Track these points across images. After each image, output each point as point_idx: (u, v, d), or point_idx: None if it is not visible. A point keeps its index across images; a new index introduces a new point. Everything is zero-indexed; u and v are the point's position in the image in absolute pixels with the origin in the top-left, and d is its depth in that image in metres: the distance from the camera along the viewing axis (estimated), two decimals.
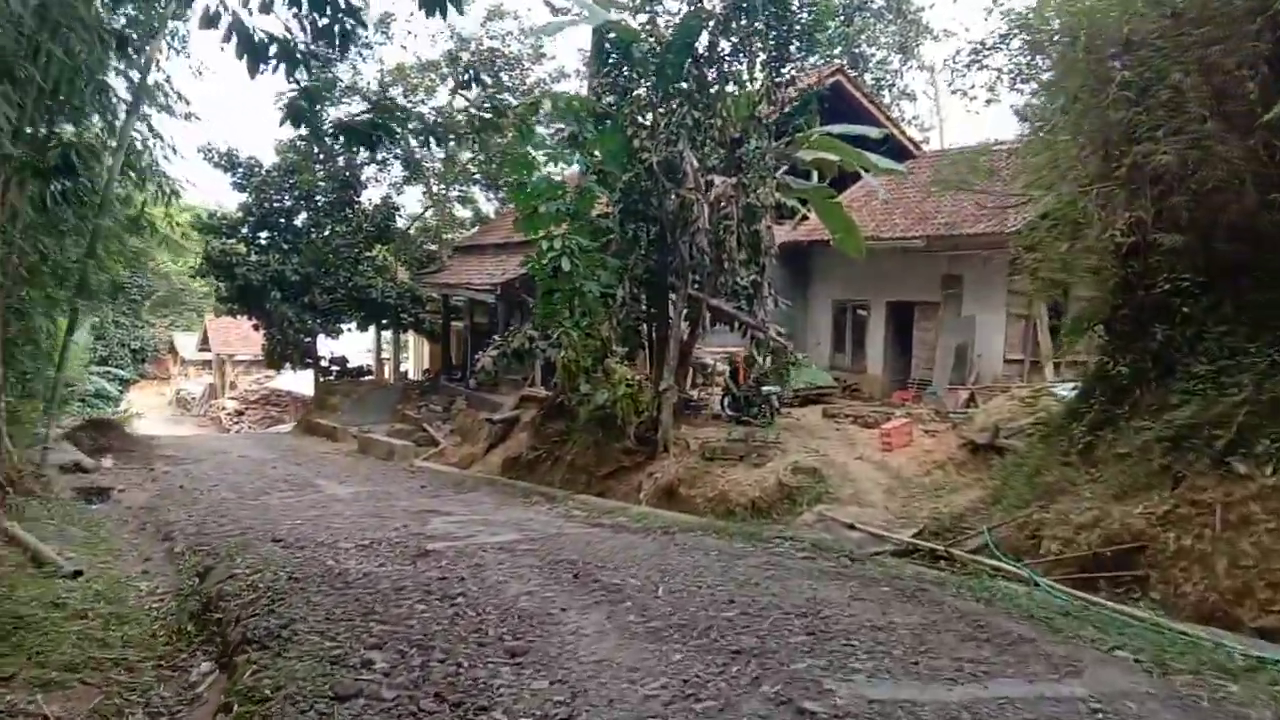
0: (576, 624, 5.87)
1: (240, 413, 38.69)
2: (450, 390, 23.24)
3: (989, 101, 12.43)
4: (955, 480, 11.38)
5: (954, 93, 13.04)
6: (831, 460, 12.07)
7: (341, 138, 6.80)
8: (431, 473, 15.91)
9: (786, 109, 13.54)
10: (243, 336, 38.65)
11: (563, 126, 14.02)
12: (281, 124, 6.58)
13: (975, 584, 7.04)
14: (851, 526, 9.50)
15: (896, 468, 11.97)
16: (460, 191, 31.43)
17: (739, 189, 12.68)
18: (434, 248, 28.99)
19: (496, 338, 15.25)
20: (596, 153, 12.82)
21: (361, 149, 8.59)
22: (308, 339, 25.84)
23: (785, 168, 14.93)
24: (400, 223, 28.69)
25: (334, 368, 27.73)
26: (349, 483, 14.45)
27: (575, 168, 14.26)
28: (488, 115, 9.35)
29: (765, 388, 14.28)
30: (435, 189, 30.65)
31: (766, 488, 11.26)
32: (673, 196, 12.54)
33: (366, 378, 28.16)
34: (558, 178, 13.67)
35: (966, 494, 10.47)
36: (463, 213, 32.64)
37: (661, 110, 12.64)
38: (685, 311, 13.57)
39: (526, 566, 7.69)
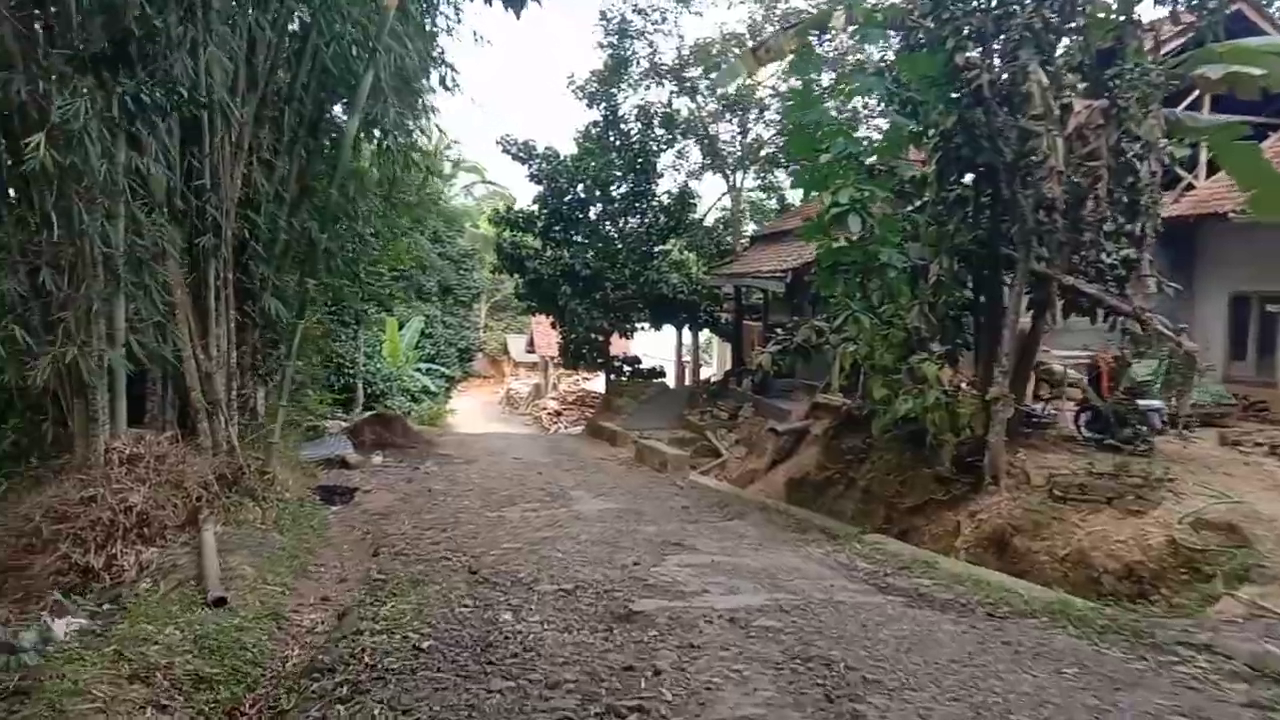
0: None
1: (559, 413, 39.20)
2: (739, 395, 20.75)
3: None
4: None
5: None
6: (1255, 511, 8.01)
7: None
8: (701, 490, 13.50)
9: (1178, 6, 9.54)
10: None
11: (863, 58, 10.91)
12: None
13: None
14: None
15: None
16: (761, 178, 28.92)
17: (1110, 119, 8.93)
18: (731, 239, 26.75)
19: (780, 331, 12.52)
20: (905, 79, 9.62)
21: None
22: (600, 337, 24.61)
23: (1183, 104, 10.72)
24: (697, 213, 26.74)
25: (625, 368, 26.35)
26: (606, 497, 12.48)
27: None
28: None
29: (1143, 401, 10.29)
30: (733, 175, 28.38)
31: (1152, 549, 7.53)
32: (1011, 134, 9.07)
33: (658, 380, 26.46)
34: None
35: None
36: (769, 202, 30.13)
37: (997, 14, 9.19)
38: (1027, 295, 9.97)
39: (758, 660, 5.08)
